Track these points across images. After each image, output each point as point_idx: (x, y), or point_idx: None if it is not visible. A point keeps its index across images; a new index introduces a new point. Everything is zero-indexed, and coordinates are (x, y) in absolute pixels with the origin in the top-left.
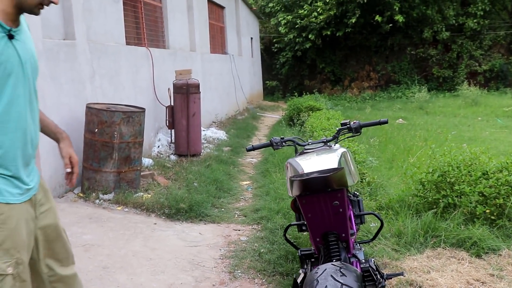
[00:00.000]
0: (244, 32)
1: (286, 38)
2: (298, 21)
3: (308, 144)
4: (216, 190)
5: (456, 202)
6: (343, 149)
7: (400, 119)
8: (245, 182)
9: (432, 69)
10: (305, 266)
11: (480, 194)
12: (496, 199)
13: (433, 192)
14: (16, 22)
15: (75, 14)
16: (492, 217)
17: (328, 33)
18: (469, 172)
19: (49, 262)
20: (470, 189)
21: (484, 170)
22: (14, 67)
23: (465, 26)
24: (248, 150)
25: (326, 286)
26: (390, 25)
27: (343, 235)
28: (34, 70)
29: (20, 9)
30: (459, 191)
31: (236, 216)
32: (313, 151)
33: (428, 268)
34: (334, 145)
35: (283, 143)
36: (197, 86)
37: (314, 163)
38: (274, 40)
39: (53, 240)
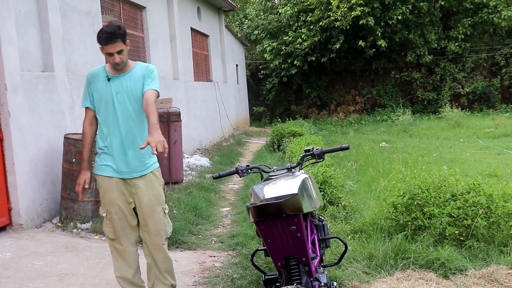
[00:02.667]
0: (229, 59)
1: (272, 65)
2: (283, 48)
3: (273, 171)
4: (195, 217)
5: (425, 224)
6: (305, 175)
7: (384, 142)
8: (225, 209)
9: (416, 92)
10: None
11: (449, 216)
12: (465, 220)
13: (404, 215)
14: (113, 72)
15: (54, 46)
16: (461, 238)
17: (313, 58)
18: (438, 194)
19: (142, 232)
20: (438, 211)
21: (452, 192)
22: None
23: (447, 50)
24: (215, 178)
25: None
26: (374, 50)
27: (304, 259)
28: (130, 98)
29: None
30: (428, 213)
31: (213, 242)
32: (277, 178)
33: None
34: (298, 171)
35: (249, 170)
36: (178, 114)
37: (274, 189)
38: (260, 66)
39: (147, 216)
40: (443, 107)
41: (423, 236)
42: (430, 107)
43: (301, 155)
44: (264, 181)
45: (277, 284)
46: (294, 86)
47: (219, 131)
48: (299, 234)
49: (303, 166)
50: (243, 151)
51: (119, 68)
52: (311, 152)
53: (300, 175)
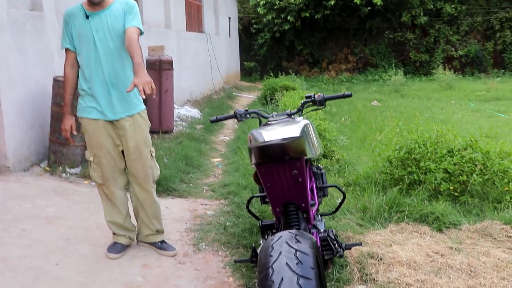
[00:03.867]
0: (221, 11)
1: (264, 19)
2: (276, 2)
3: (272, 116)
4: (186, 166)
5: (421, 178)
6: (306, 121)
7: (375, 101)
8: (216, 159)
9: (409, 53)
10: (266, 237)
11: (445, 171)
12: (460, 176)
13: (399, 169)
14: (91, 8)
15: None
16: (456, 194)
17: (307, 15)
18: (435, 149)
19: (130, 176)
20: (435, 166)
21: (449, 148)
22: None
23: (442, 11)
24: (212, 122)
25: (281, 252)
26: (369, 8)
27: (303, 205)
28: (111, 35)
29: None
30: (424, 168)
31: (205, 191)
32: (277, 123)
33: (390, 241)
34: (298, 118)
35: (247, 115)
36: (170, 63)
37: (275, 133)
38: (253, 21)
39: (135, 159)
40: (436, 69)
41: (418, 191)
42: (422, 69)
43: (302, 101)
44: (263, 126)
45: (273, 231)
46: (286, 42)
47: (210, 83)
48: (300, 179)
49: (303, 113)
50: (234, 104)
51: (96, 2)
52: (312, 98)
53: (302, 121)
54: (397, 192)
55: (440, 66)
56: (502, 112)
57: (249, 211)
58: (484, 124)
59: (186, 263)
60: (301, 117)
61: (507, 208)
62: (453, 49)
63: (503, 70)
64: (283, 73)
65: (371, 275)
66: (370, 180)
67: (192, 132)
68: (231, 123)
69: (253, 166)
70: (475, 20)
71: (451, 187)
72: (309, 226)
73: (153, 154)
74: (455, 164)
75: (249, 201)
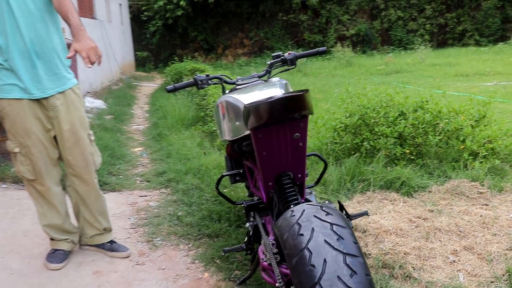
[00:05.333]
0: None
1: (155, 6)
2: None
3: (238, 81)
4: (109, 157)
5: (376, 145)
6: (284, 80)
7: None
8: (137, 149)
9: (303, 35)
10: (251, 219)
11: (399, 135)
12: (416, 139)
13: (352, 137)
14: None
15: None
16: (412, 157)
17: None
18: (385, 113)
19: (66, 167)
20: (390, 130)
21: (400, 110)
22: None
23: None
24: (169, 91)
25: (313, 228)
26: None
27: (299, 175)
28: None
29: None
30: (379, 133)
31: (138, 182)
32: (249, 87)
33: (359, 210)
34: (273, 78)
35: (209, 81)
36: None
37: (258, 96)
38: (143, 8)
39: (72, 145)
40: (334, 47)
41: (378, 157)
42: None
43: (269, 62)
44: (232, 91)
45: (259, 211)
46: (179, 30)
47: (108, 73)
48: (301, 143)
49: (271, 75)
50: (136, 94)
51: None
52: (281, 57)
53: (281, 80)
54: (356, 161)
55: (334, 45)
56: (406, 83)
57: (220, 193)
58: (396, 95)
59: (146, 263)
60: (277, 78)
61: (466, 166)
62: (345, 29)
63: (392, 47)
64: (178, 61)
65: (362, 249)
66: (321, 153)
67: (103, 122)
68: (139, 112)
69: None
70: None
71: (407, 151)
72: (302, 200)
73: (92, 138)
74: (412, 126)
75: (218, 182)
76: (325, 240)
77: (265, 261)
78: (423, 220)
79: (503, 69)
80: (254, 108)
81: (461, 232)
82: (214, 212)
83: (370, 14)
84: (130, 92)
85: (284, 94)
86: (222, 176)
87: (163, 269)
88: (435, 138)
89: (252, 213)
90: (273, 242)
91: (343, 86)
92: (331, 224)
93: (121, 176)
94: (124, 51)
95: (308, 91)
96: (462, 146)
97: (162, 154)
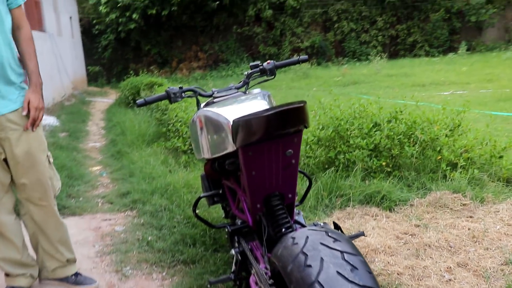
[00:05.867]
0: (62, 9)
1: (107, 19)
2: (120, 0)
3: (214, 93)
4: (67, 178)
5: (351, 158)
6: (266, 92)
7: None
8: (95, 168)
9: (258, 47)
10: (236, 245)
11: (374, 147)
12: (392, 150)
13: (326, 150)
14: None
15: None
16: (388, 169)
17: (154, 12)
18: (359, 125)
19: (20, 192)
20: (365, 142)
21: (374, 121)
22: None
23: (286, 4)
24: (140, 105)
25: (322, 258)
26: (217, 2)
27: (290, 195)
28: None
29: None
30: (354, 146)
31: (100, 204)
32: (228, 99)
33: (345, 229)
34: (254, 90)
35: (183, 94)
36: None
37: (241, 109)
38: (94, 21)
39: (27, 169)
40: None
41: (355, 171)
42: None
43: (247, 72)
44: (208, 105)
45: (245, 236)
46: (132, 43)
47: (60, 89)
48: (293, 161)
49: (249, 86)
50: (90, 110)
51: None
52: (260, 67)
53: (262, 92)
54: (333, 176)
55: (289, 57)
56: (365, 94)
57: (198, 216)
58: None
59: None
60: (258, 89)
61: (445, 177)
62: (299, 41)
63: (346, 58)
64: (134, 75)
65: None
66: None
67: (57, 141)
68: (95, 128)
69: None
70: (315, 11)
71: (383, 163)
72: (292, 222)
73: (51, 160)
74: (387, 137)
75: (195, 204)
76: (337, 272)
77: None
78: (410, 236)
79: (456, 78)
80: (245, 123)
81: (451, 247)
82: (188, 235)
83: (323, 26)
84: (84, 108)
85: (281, 106)
86: (200, 198)
87: None
88: (411, 149)
89: (236, 238)
90: (266, 271)
91: (303, 98)
92: (342, 252)
93: (81, 199)
94: (75, 66)
95: (305, 102)
96: (439, 157)
97: (124, 173)
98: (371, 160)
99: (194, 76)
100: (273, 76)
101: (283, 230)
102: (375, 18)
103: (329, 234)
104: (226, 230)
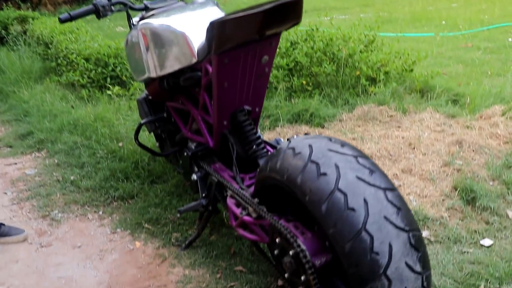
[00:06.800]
0: None
1: None
2: None
3: (148, 5)
4: None
5: (272, 79)
6: (213, 2)
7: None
8: None
9: None
10: (196, 168)
11: (293, 66)
12: (312, 68)
13: None
14: None
15: None
16: (309, 88)
17: None
18: None
19: None
20: (285, 61)
21: (290, 39)
22: None
23: None
24: (64, 21)
25: (337, 164)
26: None
27: (257, 109)
28: None
29: None
30: (274, 66)
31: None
32: (171, 10)
33: None
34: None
35: (112, 7)
36: None
37: (194, 19)
38: None
39: None
40: None
41: (279, 91)
42: None
43: None
44: (149, 18)
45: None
46: None
47: None
48: (267, 69)
49: None
50: None
51: None
52: None
53: (209, 1)
54: None
55: None
56: None
57: (140, 144)
58: None
59: (53, 243)
60: None
61: (365, 92)
62: None
63: None
64: None
65: None
66: None
67: None
68: None
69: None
70: None
71: (304, 82)
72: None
73: None
74: (306, 55)
75: (137, 131)
76: (357, 177)
77: (246, 215)
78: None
79: (336, 4)
80: (234, 22)
81: (392, 155)
82: (118, 170)
83: None
84: None
85: (276, 1)
86: (141, 125)
87: (79, 246)
88: (330, 66)
89: (200, 162)
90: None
91: None
92: (355, 156)
93: None
94: None
95: None
96: (358, 72)
97: (16, 114)
98: (291, 80)
99: (60, 11)
100: None
101: (254, 147)
102: None
103: (332, 140)
104: (186, 154)
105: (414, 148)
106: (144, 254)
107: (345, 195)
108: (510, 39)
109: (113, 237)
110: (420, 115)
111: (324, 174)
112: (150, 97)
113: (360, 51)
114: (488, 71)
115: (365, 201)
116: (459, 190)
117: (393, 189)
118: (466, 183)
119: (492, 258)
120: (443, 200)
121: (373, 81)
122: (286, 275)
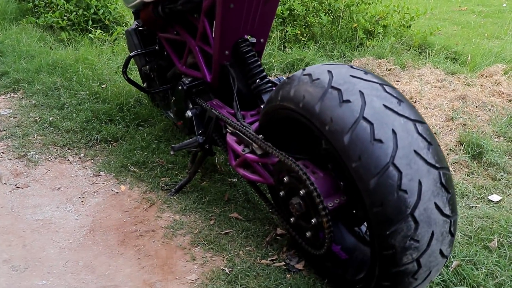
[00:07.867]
0: None
1: None
2: None
3: None
4: None
5: None
6: None
7: None
8: None
9: None
10: (191, 105)
11: (287, 15)
12: (307, 18)
13: None
14: None
15: None
16: (303, 39)
17: None
18: None
19: None
20: (280, 8)
21: None
22: None
23: None
24: None
25: (362, 92)
26: None
27: (262, 40)
28: None
29: None
30: None
31: None
32: None
33: None
34: None
35: None
36: None
37: None
38: None
39: None
40: None
41: (272, 39)
42: None
43: None
44: None
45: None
46: None
47: None
48: None
49: None
50: None
51: None
52: None
53: None
54: None
55: None
56: None
57: (128, 79)
58: None
59: (30, 184)
60: None
61: (360, 46)
62: None
63: None
64: None
65: None
66: None
67: None
68: None
69: None
70: None
71: (298, 32)
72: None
73: None
74: (302, 4)
75: (126, 65)
76: (384, 105)
77: (248, 152)
78: None
79: None
80: None
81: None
82: (101, 111)
83: None
84: None
85: None
86: (130, 57)
87: (59, 188)
88: (326, 17)
89: (196, 99)
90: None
91: None
92: (381, 84)
93: None
94: None
95: None
96: (355, 25)
97: None
98: (284, 29)
99: None
100: None
101: (258, 81)
102: None
103: (353, 68)
104: (181, 87)
105: (415, 101)
106: (130, 198)
107: (371, 124)
108: (504, 4)
109: (96, 180)
110: (420, 71)
111: (348, 101)
112: (141, 28)
113: (358, 3)
114: (485, 34)
115: (393, 132)
116: (464, 145)
117: (423, 122)
118: (472, 137)
119: (502, 213)
120: (447, 154)
121: (370, 34)
122: (291, 219)
